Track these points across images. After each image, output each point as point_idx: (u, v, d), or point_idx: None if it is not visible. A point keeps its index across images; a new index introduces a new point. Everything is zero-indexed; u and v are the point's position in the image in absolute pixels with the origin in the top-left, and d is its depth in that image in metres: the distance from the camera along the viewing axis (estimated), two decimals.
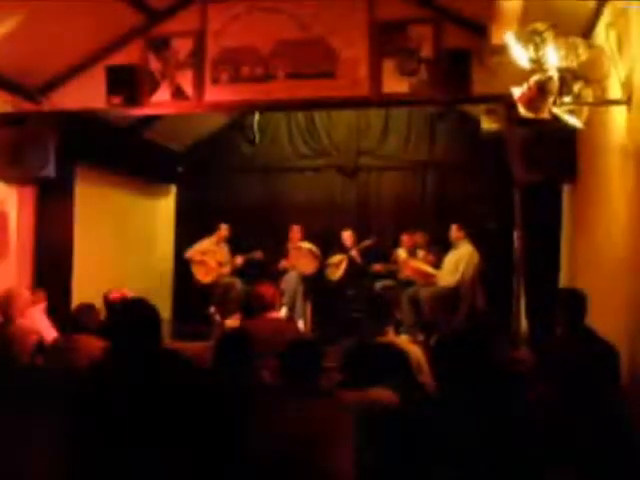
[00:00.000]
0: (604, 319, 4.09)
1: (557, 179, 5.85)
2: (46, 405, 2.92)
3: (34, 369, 3.70)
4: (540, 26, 3.90)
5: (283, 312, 8.30)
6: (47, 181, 6.77)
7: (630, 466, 2.52)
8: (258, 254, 8.65)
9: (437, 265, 7.95)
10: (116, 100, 6.44)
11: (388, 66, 6.22)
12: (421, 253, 8.23)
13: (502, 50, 4.27)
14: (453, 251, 7.85)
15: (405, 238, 8.43)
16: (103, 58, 6.66)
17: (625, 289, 3.92)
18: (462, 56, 5.97)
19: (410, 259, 8.22)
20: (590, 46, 4.15)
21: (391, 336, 4.67)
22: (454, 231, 7.87)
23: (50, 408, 2.89)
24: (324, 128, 9.42)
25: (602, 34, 4.42)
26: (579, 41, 3.92)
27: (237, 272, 8.64)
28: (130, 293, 5.40)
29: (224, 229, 8.76)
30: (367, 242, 8.56)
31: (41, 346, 4.53)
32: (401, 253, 8.39)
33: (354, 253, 8.48)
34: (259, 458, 2.75)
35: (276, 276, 8.53)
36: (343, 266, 8.51)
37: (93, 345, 4.23)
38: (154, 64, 6.57)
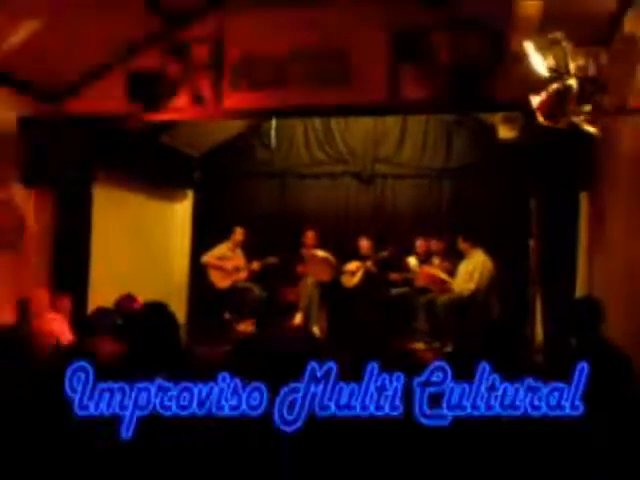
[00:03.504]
0: (621, 329, 4.07)
1: (574, 188, 5.82)
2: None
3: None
4: (559, 35, 3.90)
5: (299, 317, 8.33)
6: (65, 184, 6.83)
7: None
8: (272, 259, 8.67)
9: (452, 272, 7.94)
10: (136, 105, 6.49)
11: (406, 73, 6.20)
12: (437, 260, 8.21)
13: (521, 58, 4.27)
14: (466, 260, 7.84)
15: (419, 243, 8.41)
16: (123, 63, 6.70)
17: None
18: (480, 63, 5.95)
19: (423, 266, 8.21)
20: (609, 55, 4.14)
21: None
22: (460, 243, 7.88)
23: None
24: (341, 135, 9.43)
25: (622, 43, 4.41)
26: (598, 50, 3.91)
27: (255, 277, 8.67)
28: (141, 299, 5.42)
29: (239, 233, 8.78)
30: (384, 253, 8.54)
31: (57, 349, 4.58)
32: (411, 261, 8.39)
33: (369, 264, 8.48)
34: None
35: (294, 280, 8.57)
36: (359, 274, 8.51)
37: (109, 349, 4.26)
38: (173, 69, 6.60)
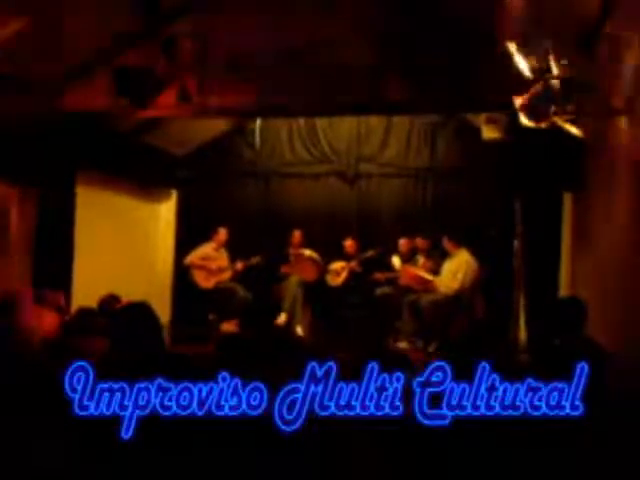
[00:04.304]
0: (604, 329, 4.11)
1: (558, 188, 5.87)
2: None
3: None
4: (543, 36, 3.94)
5: (283, 317, 8.33)
6: (48, 183, 6.78)
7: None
8: (256, 259, 8.66)
9: (435, 271, 7.97)
10: (122, 102, 6.43)
11: (390, 73, 6.22)
12: (421, 259, 8.25)
13: (505, 59, 4.30)
14: (450, 259, 7.87)
15: (402, 242, 8.44)
16: (109, 60, 6.65)
17: (627, 300, 3.94)
18: (464, 64, 5.98)
19: (406, 265, 8.24)
20: (592, 56, 4.19)
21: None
22: (445, 243, 7.92)
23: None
24: (325, 134, 9.44)
25: (605, 44, 4.45)
26: (581, 51, 3.95)
27: (238, 277, 8.65)
28: (124, 299, 5.40)
29: (222, 233, 8.76)
30: (369, 253, 8.57)
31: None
32: (395, 261, 8.43)
33: (354, 264, 8.50)
34: None
35: (277, 281, 8.57)
36: (344, 274, 8.53)
37: (93, 348, 4.24)
38: (160, 67, 6.55)
